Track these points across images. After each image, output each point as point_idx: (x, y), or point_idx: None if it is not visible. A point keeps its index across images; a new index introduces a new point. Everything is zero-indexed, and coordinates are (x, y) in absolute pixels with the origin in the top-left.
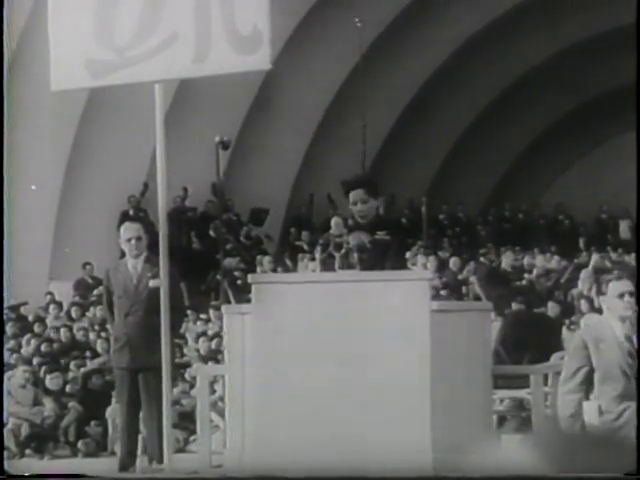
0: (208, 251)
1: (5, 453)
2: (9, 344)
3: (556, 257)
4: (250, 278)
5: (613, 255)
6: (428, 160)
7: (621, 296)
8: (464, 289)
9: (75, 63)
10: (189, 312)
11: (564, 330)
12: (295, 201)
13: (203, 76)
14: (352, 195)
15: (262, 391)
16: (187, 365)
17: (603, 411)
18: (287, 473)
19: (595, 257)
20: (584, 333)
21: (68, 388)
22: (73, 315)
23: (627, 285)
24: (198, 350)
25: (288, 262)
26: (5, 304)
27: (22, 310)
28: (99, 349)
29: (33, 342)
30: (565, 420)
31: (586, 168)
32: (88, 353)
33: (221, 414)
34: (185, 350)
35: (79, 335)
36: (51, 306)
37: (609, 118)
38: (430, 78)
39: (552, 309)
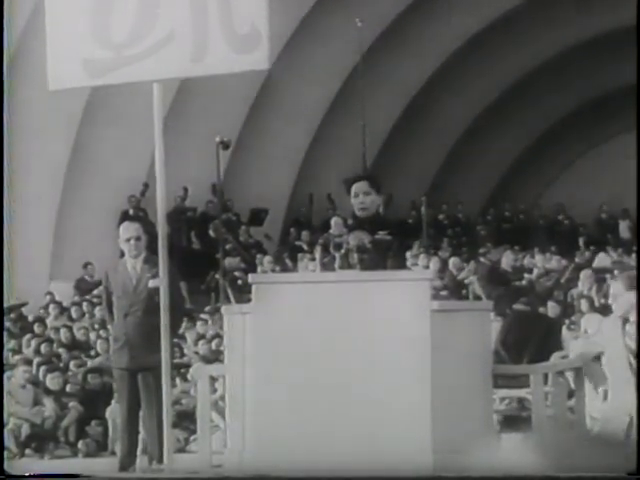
0: (208, 251)
1: (5, 453)
2: (10, 344)
3: (556, 257)
4: (250, 278)
5: (613, 255)
6: (428, 160)
7: None
8: (464, 289)
9: (73, 62)
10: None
11: (564, 330)
12: (295, 201)
13: (201, 75)
14: (355, 187)
15: (262, 391)
16: (187, 365)
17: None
18: (287, 473)
19: (600, 256)
20: None
21: (68, 388)
22: (73, 315)
23: None
24: (197, 352)
25: (288, 262)
26: (5, 304)
27: (22, 310)
28: (99, 349)
29: (33, 342)
30: None
31: (586, 168)
32: (89, 353)
33: (221, 414)
34: (185, 350)
35: (79, 335)
36: (51, 306)
37: (609, 118)
38: (430, 78)
39: (552, 309)
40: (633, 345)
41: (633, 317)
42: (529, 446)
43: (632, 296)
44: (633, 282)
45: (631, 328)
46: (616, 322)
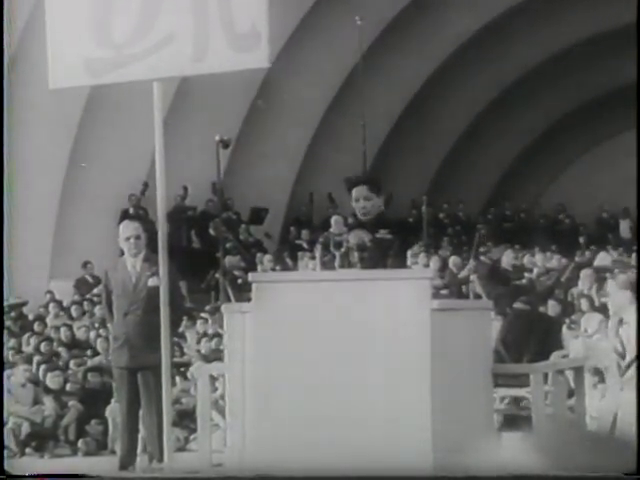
0: (208, 250)
1: (5, 452)
2: (10, 343)
3: (556, 256)
4: (250, 277)
5: (614, 254)
6: (428, 159)
7: None
8: (464, 288)
9: (73, 61)
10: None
11: (564, 329)
12: (295, 200)
13: (202, 74)
14: (355, 192)
15: (262, 390)
16: (187, 364)
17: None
18: (287, 472)
19: (600, 255)
20: None
21: (68, 387)
22: (73, 314)
23: None
24: (199, 350)
25: (288, 261)
26: (5, 303)
27: (23, 309)
28: (99, 348)
29: (33, 341)
30: None
31: (586, 167)
32: (89, 352)
33: (222, 413)
34: (185, 349)
35: (79, 334)
36: (51, 305)
37: (609, 117)
38: (430, 77)
39: (552, 308)
40: (619, 346)
41: (625, 316)
42: (529, 445)
43: (624, 295)
44: (626, 281)
45: (619, 328)
46: (613, 321)
